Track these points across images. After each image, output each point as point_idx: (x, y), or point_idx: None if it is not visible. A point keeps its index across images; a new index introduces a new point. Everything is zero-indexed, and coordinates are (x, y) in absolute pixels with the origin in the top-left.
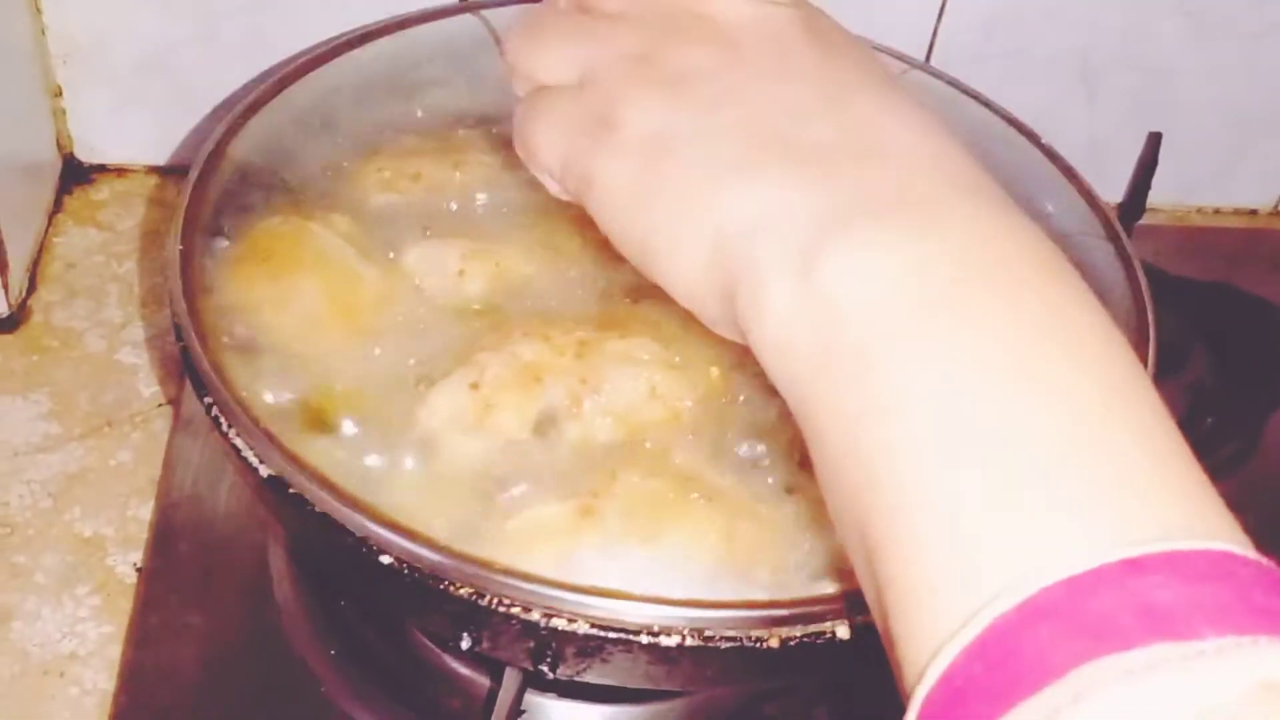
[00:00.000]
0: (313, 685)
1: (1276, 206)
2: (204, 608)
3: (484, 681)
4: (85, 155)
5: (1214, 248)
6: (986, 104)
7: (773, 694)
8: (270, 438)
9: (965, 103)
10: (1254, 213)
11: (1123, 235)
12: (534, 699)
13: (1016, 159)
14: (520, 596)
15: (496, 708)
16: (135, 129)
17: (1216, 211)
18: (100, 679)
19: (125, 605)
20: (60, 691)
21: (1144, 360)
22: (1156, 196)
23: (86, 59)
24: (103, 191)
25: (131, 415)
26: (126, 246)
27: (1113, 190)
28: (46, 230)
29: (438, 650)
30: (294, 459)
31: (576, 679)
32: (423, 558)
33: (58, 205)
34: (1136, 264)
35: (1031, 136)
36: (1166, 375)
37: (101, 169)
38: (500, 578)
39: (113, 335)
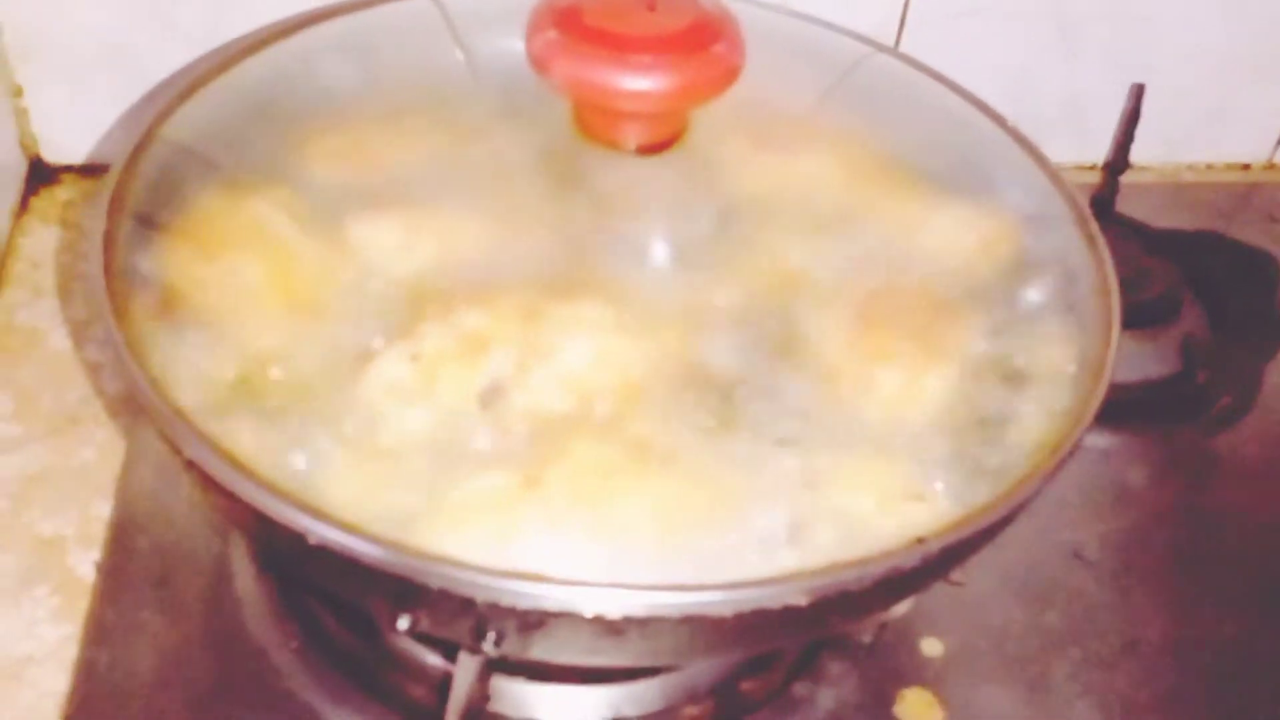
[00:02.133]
0: (274, 677)
1: (1271, 159)
2: (163, 603)
3: (449, 669)
4: (51, 156)
5: (1206, 204)
6: (952, 87)
7: (749, 671)
8: (186, 421)
9: (931, 87)
10: (1247, 167)
11: (1089, 217)
12: (502, 683)
13: (983, 143)
14: (447, 583)
15: (453, 691)
16: (100, 126)
17: (1209, 167)
18: (58, 681)
19: (85, 605)
20: (17, 695)
21: (1108, 348)
22: (1146, 154)
23: (45, 57)
24: (69, 191)
25: (95, 413)
26: (91, 244)
27: (1098, 146)
28: (12, 232)
29: (401, 639)
30: (208, 442)
31: (527, 658)
32: (346, 545)
33: (24, 206)
34: (1103, 247)
35: (997, 119)
36: (1159, 328)
37: (68, 169)
38: (424, 564)
39: (78, 333)
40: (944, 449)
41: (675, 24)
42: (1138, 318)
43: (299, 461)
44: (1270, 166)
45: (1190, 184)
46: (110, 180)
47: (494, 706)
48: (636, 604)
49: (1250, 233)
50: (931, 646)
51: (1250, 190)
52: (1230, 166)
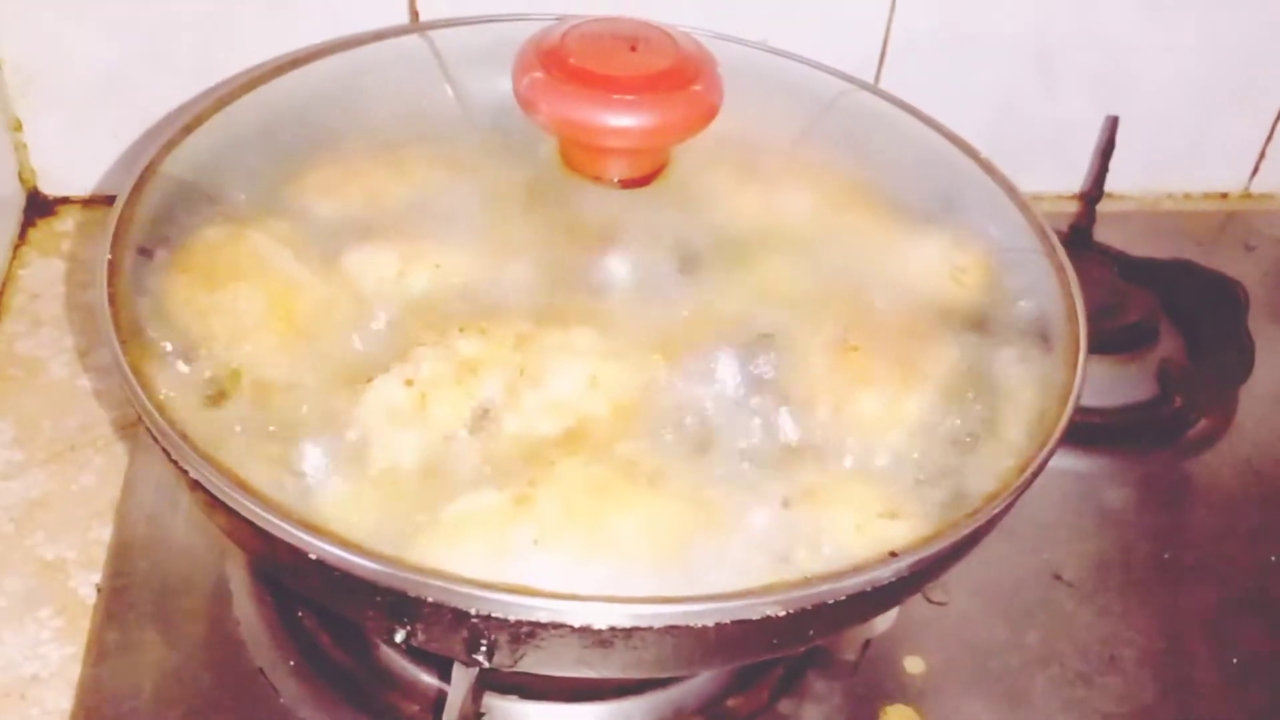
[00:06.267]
0: (271, 695)
1: (1247, 188)
2: (163, 623)
3: (443, 687)
4: (49, 188)
5: (1185, 232)
6: (927, 121)
7: (735, 688)
8: (190, 442)
9: (907, 121)
10: (1224, 196)
11: (1058, 246)
12: (494, 702)
13: (957, 175)
14: (442, 596)
15: (447, 705)
16: (97, 159)
17: (1187, 196)
18: (62, 700)
19: (87, 626)
20: (21, 714)
21: (1075, 372)
22: (1125, 183)
23: (44, 91)
24: (66, 222)
25: (94, 439)
26: (89, 275)
27: (1080, 174)
28: (11, 263)
29: (396, 656)
30: (212, 462)
31: (519, 670)
32: (345, 560)
33: (22, 238)
34: (1071, 275)
35: (970, 152)
36: (1136, 353)
37: (65, 201)
38: (419, 578)
39: (75, 362)
40: (920, 470)
41: (656, 64)
42: (1115, 343)
43: (298, 482)
44: (1247, 195)
45: (1169, 212)
46: (114, 212)
47: None
48: (622, 615)
49: (1227, 260)
50: (914, 664)
51: (1228, 219)
52: (1208, 195)
